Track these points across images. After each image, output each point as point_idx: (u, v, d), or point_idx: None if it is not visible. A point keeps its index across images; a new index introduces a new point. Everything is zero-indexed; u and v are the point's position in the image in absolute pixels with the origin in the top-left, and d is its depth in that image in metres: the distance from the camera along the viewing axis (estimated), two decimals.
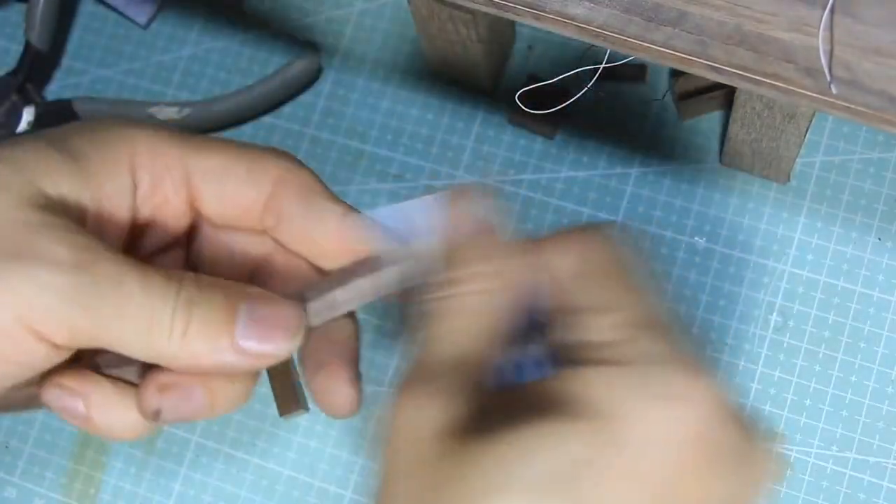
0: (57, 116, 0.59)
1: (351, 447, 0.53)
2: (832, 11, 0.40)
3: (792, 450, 0.50)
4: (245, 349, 0.35)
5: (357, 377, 0.38)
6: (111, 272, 0.33)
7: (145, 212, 0.39)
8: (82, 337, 0.33)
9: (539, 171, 0.55)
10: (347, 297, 0.37)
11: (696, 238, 0.53)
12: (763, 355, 0.51)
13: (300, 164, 0.40)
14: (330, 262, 0.40)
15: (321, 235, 0.39)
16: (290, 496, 0.52)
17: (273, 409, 0.55)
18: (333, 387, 0.39)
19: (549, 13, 0.43)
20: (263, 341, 0.36)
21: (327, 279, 0.38)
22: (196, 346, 0.34)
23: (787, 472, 0.50)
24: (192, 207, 0.40)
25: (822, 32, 0.40)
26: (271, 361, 0.36)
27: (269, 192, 0.39)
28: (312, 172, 0.40)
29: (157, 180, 0.38)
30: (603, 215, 0.54)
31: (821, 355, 0.51)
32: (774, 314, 0.52)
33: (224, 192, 0.39)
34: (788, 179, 0.53)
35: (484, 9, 0.44)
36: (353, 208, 0.40)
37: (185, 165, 0.38)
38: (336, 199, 0.40)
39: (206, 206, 0.39)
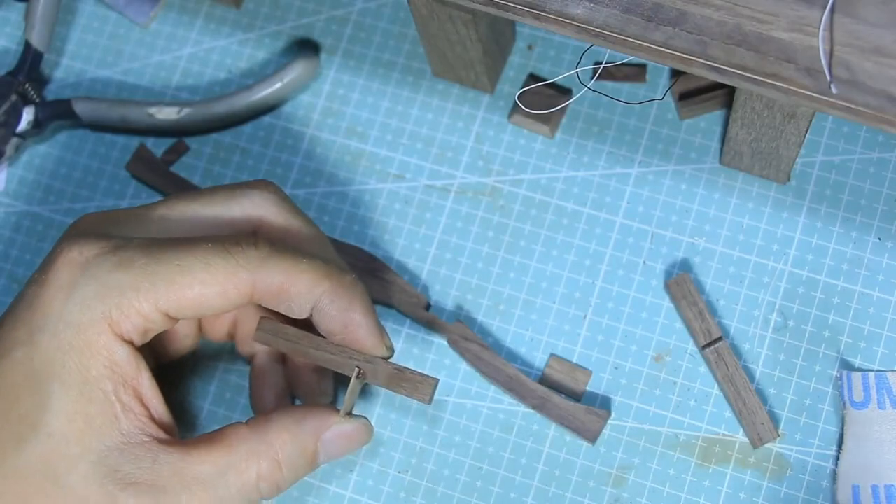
0: (57, 116, 0.59)
1: None
2: (832, 11, 0.40)
3: (792, 450, 0.50)
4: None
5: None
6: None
7: (161, 348, 0.48)
8: None
9: (539, 171, 0.55)
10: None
11: (696, 238, 0.53)
12: (763, 355, 0.51)
13: (273, 254, 0.44)
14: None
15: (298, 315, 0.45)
16: (290, 496, 0.52)
17: None
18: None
19: (549, 13, 0.43)
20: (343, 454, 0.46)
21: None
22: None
23: (788, 472, 0.50)
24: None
25: (822, 32, 0.40)
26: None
27: (248, 301, 0.44)
28: (281, 258, 0.44)
29: (145, 329, 0.42)
30: (603, 215, 0.54)
31: (821, 355, 0.51)
32: (774, 314, 0.52)
33: (204, 313, 0.44)
34: (788, 179, 0.53)
35: (484, 9, 0.44)
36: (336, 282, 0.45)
37: (159, 309, 0.42)
38: (311, 273, 0.45)
39: (188, 321, 0.47)
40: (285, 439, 0.43)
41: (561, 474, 0.51)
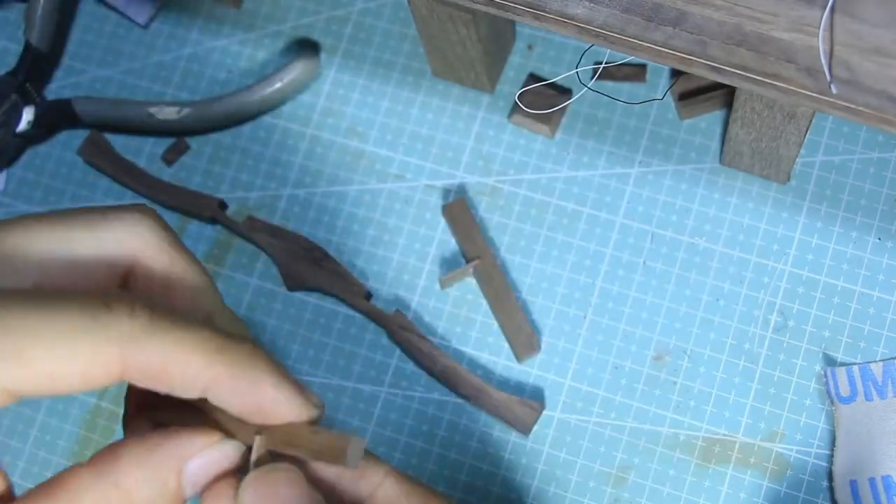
0: (57, 116, 0.59)
1: None
2: (832, 11, 0.40)
3: (792, 450, 0.50)
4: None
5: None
6: None
7: None
8: None
9: (539, 171, 0.55)
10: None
11: (696, 238, 0.53)
12: (763, 355, 0.51)
13: (151, 325, 0.33)
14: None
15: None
16: None
17: None
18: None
19: (549, 13, 0.43)
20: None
21: None
22: None
23: (787, 472, 0.50)
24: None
25: (822, 32, 0.40)
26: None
27: (113, 382, 0.34)
28: (161, 331, 0.33)
29: None
30: (603, 215, 0.54)
31: (820, 355, 0.51)
32: (774, 314, 0.52)
33: (58, 393, 0.34)
34: (788, 179, 0.53)
35: (484, 9, 0.44)
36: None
37: (5, 390, 0.33)
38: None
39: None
40: (137, 477, 0.33)
41: (561, 474, 0.51)
